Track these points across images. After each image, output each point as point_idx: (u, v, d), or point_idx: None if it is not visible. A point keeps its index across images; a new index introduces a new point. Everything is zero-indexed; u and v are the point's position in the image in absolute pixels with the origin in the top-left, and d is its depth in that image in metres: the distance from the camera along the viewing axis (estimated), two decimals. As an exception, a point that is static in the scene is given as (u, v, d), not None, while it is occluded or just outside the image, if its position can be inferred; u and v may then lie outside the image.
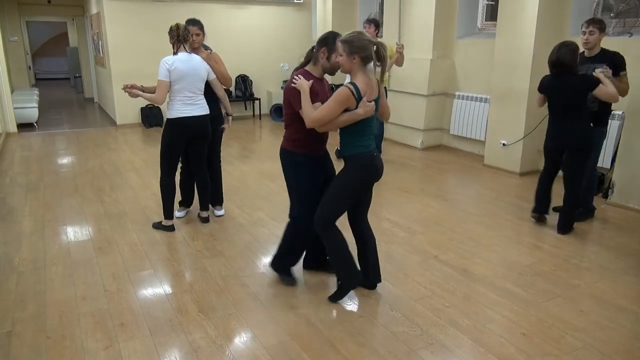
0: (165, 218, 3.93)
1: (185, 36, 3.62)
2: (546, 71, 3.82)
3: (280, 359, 2.37)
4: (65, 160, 6.29)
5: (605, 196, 4.68)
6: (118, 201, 4.66)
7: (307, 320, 2.70)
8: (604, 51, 3.90)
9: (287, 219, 3.07)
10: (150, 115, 8.56)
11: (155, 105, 8.06)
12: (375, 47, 2.54)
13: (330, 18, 8.44)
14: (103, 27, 8.32)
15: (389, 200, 4.75)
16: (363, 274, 3.01)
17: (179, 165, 4.04)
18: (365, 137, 2.65)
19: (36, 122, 8.51)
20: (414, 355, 2.40)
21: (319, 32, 7.92)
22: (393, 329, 2.61)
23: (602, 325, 2.66)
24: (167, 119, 3.73)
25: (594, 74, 3.61)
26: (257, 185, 5.19)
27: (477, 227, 4.08)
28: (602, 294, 3.00)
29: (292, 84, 2.67)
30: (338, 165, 2.81)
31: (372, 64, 2.57)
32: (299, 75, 2.68)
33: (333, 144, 2.84)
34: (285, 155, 2.88)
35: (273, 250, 3.52)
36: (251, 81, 9.42)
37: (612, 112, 4.60)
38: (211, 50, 4.00)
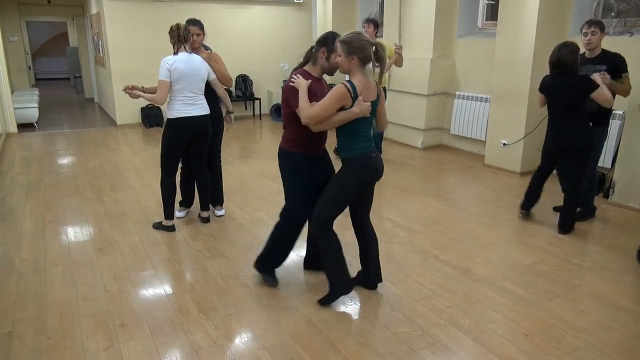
0: (165, 218, 3.93)
1: (186, 36, 3.62)
2: (547, 71, 3.82)
3: (281, 359, 2.37)
4: (65, 161, 6.29)
5: (606, 196, 4.68)
6: (118, 201, 4.66)
7: (307, 320, 2.70)
8: (604, 52, 3.90)
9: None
10: (151, 115, 8.56)
11: (156, 105, 8.09)
12: (374, 47, 2.53)
13: (330, 18, 8.44)
14: (103, 27, 8.32)
15: (389, 200, 4.74)
16: (364, 273, 3.01)
17: (180, 165, 4.04)
18: (361, 138, 2.63)
19: (36, 122, 8.50)
20: (415, 355, 2.40)
21: (319, 32, 7.91)
22: (394, 329, 2.61)
23: (604, 325, 2.66)
24: (168, 119, 3.73)
25: (592, 77, 3.61)
26: (257, 185, 5.19)
27: (477, 226, 4.08)
28: (603, 294, 3.00)
29: (291, 83, 2.66)
30: (337, 164, 2.80)
31: (371, 64, 2.56)
32: (298, 75, 2.68)
33: (332, 143, 2.83)
34: (283, 155, 2.87)
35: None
36: (251, 81, 9.42)
37: (613, 111, 4.60)
38: (211, 51, 4.00)
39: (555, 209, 4.42)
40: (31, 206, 4.54)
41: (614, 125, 4.72)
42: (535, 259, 3.46)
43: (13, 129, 7.88)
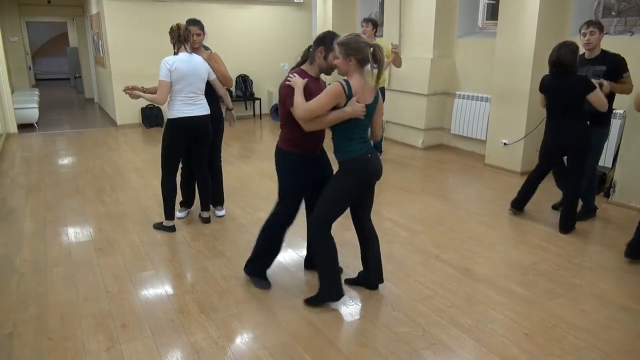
0: (166, 218, 3.93)
1: (186, 36, 3.61)
2: (547, 71, 3.82)
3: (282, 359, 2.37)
4: (65, 161, 6.28)
5: (607, 195, 4.68)
6: (119, 202, 4.66)
7: (308, 320, 2.70)
8: (604, 53, 3.90)
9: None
10: (151, 116, 8.56)
11: (156, 105, 8.07)
12: (371, 49, 2.53)
13: (330, 18, 8.44)
14: (103, 27, 8.32)
15: (389, 199, 4.74)
16: (365, 274, 3.01)
17: (180, 165, 4.04)
18: (356, 140, 2.62)
19: (36, 123, 8.50)
20: (416, 355, 2.40)
21: (319, 32, 7.91)
22: (395, 329, 2.61)
23: (605, 325, 2.66)
24: (168, 119, 3.73)
25: (592, 81, 3.63)
26: (258, 185, 5.19)
27: (478, 226, 4.07)
28: (604, 294, 3.00)
29: (287, 82, 2.66)
30: (336, 165, 2.79)
31: (369, 66, 2.56)
32: (294, 74, 2.67)
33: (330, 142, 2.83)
34: (280, 155, 2.86)
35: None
36: (251, 81, 9.41)
37: (614, 110, 4.60)
38: (211, 51, 4.00)
39: (554, 207, 4.43)
40: (32, 207, 4.54)
41: (614, 124, 4.72)
42: (536, 259, 3.46)
43: (13, 129, 7.88)
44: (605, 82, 3.69)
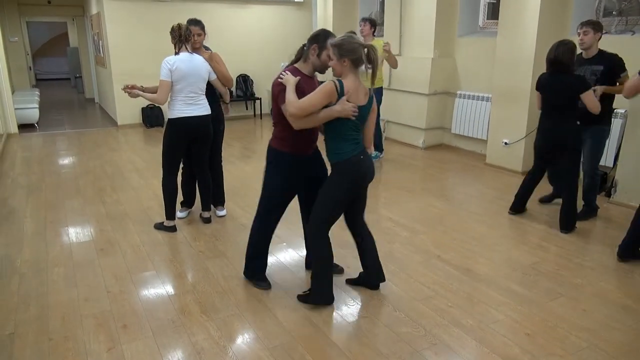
0: (167, 219, 3.93)
1: (187, 36, 3.61)
2: (548, 70, 3.82)
3: (284, 360, 2.37)
4: (66, 161, 6.28)
5: (608, 195, 4.67)
6: (119, 202, 4.66)
7: (310, 321, 2.69)
8: (601, 52, 3.91)
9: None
10: (151, 116, 8.56)
11: (157, 105, 8.07)
12: (365, 49, 2.52)
13: (330, 17, 8.43)
14: (103, 27, 8.32)
15: (390, 199, 4.74)
16: (365, 274, 3.00)
17: (181, 165, 4.03)
18: (348, 142, 2.60)
19: (37, 123, 8.50)
20: (418, 355, 2.39)
21: (320, 32, 7.90)
22: (396, 330, 2.60)
23: (606, 325, 2.65)
24: (169, 119, 3.72)
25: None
26: (258, 185, 5.13)
27: (479, 226, 4.07)
28: (606, 294, 2.99)
29: (279, 79, 2.65)
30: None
31: (363, 67, 2.55)
32: (287, 71, 2.66)
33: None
34: (271, 153, 2.85)
35: (274, 251, 3.53)
36: (252, 81, 9.41)
37: (615, 110, 4.59)
38: (211, 51, 4.00)
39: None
40: (32, 207, 4.54)
41: (615, 124, 4.72)
42: (537, 259, 3.46)
43: (14, 129, 7.88)
44: (597, 89, 3.73)
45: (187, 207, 4.29)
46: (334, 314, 2.77)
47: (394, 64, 5.80)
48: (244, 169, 5.79)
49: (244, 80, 9.31)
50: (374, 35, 5.78)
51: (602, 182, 4.75)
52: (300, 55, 2.78)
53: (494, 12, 6.48)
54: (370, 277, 2.99)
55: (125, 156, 6.51)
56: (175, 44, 3.62)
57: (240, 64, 9.13)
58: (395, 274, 3.22)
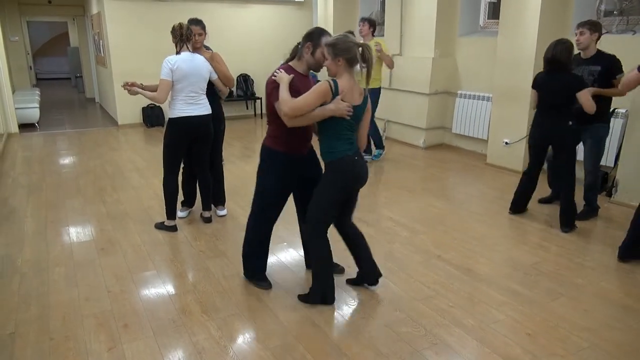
0: (167, 218, 3.92)
1: (189, 36, 3.61)
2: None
3: (285, 360, 2.36)
4: (67, 161, 6.29)
5: (609, 195, 4.67)
6: (120, 201, 4.66)
7: (311, 321, 2.69)
8: (600, 53, 3.92)
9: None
10: (152, 115, 8.56)
11: (157, 104, 8.07)
12: (360, 49, 2.52)
13: (331, 17, 8.43)
14: (104, 26, 8.32)
15: (391, 199, 4.73)
16: (361, 272, 3.00)
17: (181, 165, 4.03)
18: (341, 141, 2.60)
19: (37, 123, 8.50)
20: (419, 355, 2.39)
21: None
22: (397, 329, 2.60)
23: (608, 325, 2.65)
24: (169, 118, 3.72)
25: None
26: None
27: (480, 226, 4.07)
28: (607, 293, 2.99)
29: (273, 77, 2.63)
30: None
31: (358, 66, 2.54)
32: (280, 69, 2.66)
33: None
34: (265, 152, 2.84)
35: (275, 250, 3.53)
36: (252, 80, 9.41)
37: (616, 110, 4.59)
38: (212, 51, 3.99)
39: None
40: (33, 206, 4.54)
41: (617, 123, 4.71)
42: (538, 259, 3.46)
43: (14, 129, 7.88)
44: (589, 89, 3.74)
45: (188, 207, 4.29)
46: (335, 313, 2.77)
47: (389, 64, 5.76)
48: (245, 169, 5.79)
49: (245, 80, 9.31)
50: (374, 35, 5.77)
51: (603, 182, 4.75)
52: (295, 53, 2.77)
53: (494, 11, 6.47)
54: (368, 274, 2.98)
55: (125, 156, 6.51)
56: (177, 43, 3.62)
57: (241, 64, 9.13)
58: (395, 273, 3.22)
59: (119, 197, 4.78)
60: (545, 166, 4.21)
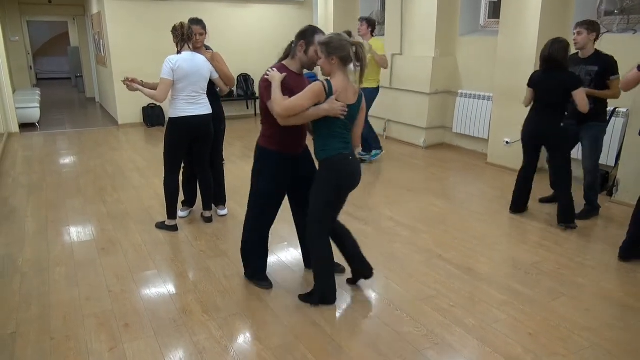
0: (168, 218, 3.92)
1: (190, 35, 3.61)
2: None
3: (286, 360, 2.36)
4: (67, 160, 6.28)
5: (610, 194, 4.66)
6: (121, 201, 4.66)
7: (312, 320, 2.69)
8: (597, 53, 3.92)
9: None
10: (152, 115, 8.56)
11: (157, 104, 8.06)
12: (354, 47, 2.51)
13: (331, 16, 8.42)
14: (104, 26, 8.31)
15: (391, 198, 4.73)
16: (354, 269, 3.00)
17: (182, 164, 4.03)
18: (336, 140, 2.59)
19: (38, 122, 8.50)
20: (420, 355, 2.39)
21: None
22: (398, 329, 2.60)
23: (609, 324, 2.65)
24: (170, 118, 3.72)
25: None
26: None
27: (480, 225, 4.06)
28: (608, 293, 2.99)
29: (265, 76, 2.63)
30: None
31: (352, 65, 2.54)
32: (273, 68, 2.65)
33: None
34: (259, 152, 2.83)
35: (276, 250, 3.53)
36: (253, 80, 9.40)
37: (617, 109, 4.59)
38: (212, 50, 3.99)
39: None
40: (33, 206, 4.54)
41: (617, 122, 4.71)
42: (539, 258, 3.45)
43: (15, 128, 7.88)
44: (585, 90, 3.74)
45: (189, 207, 4.29)
46: (336, 313, 2.77)
47: (383, 64, 5.68)
48: (245, 169, 5.78)
49: (245, 80, 9.30)
50: (373, 35, 5.75)
51: (604, 182, 4.75)
52: (289, 52, 2.76)
53: (495, 11, 6.47)
54: (361, 270, 2.96)
55: (126, 155, 6.51)
56: (178, 43, 3.62)
57: (241, 64, 9.12)
58: (396, 273, 3.22)
59: (120, 197, 4.78)
60: (546, 167, 4.21)
